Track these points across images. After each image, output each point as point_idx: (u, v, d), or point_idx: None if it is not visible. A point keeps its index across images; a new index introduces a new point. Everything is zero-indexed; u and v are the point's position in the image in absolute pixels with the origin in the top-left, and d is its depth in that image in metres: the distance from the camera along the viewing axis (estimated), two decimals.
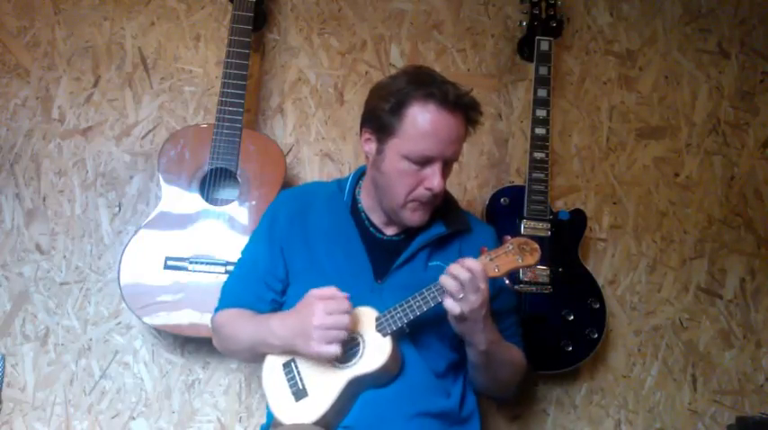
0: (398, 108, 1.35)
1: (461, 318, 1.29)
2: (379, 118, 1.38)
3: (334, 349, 1.26)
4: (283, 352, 1.36)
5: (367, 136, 1.43)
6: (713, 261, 2.02)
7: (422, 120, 1.33)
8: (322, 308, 1.27)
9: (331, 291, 1.30)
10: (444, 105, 1.33)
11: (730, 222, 2.04)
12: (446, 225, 1.47)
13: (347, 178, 1.55)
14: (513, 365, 1.46)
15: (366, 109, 1.44)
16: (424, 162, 1.36)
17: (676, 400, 1.95)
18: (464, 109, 1.36)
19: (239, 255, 1.56)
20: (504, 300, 1.47)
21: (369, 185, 1.49)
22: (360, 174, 1.55)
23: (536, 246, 1.33)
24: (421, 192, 1.38)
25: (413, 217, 1.42)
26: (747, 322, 2.00)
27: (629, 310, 1.98)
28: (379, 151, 1.40)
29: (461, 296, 1.26)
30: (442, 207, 1.47)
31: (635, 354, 1.96)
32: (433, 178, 1.36)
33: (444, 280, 1.28)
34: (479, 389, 1.50)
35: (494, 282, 1.36)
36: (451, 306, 1.27)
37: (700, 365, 1.98)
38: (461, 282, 1.26)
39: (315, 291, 1.31)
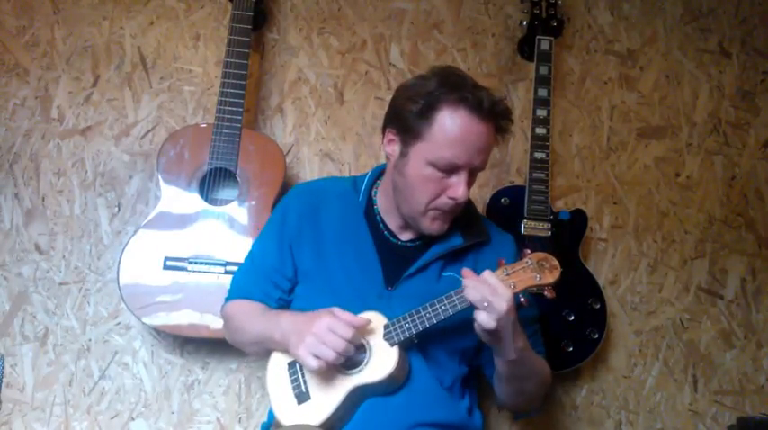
0: (428, 111, 1.28)
1: (491, 329, 1.22)
2: (406, 119, 1.31)
3: (315, 363, 1.22)
4: (281, 347, 1.34)
5: (391, 137, 1.36)
6: (714, 261, 2.02)
7: (452, 125, 1.27)
8: (328, 322, 1.23)
9: (351, 316, 1.25)
10: (477, 112, 1.27)
11: (731, 222, 2.04)
12: (464, 236, 1.42)
13: (364, 176, 1.49)
14: (541, 376, 1.40)
15: (391, 109, 1.37)
16: (450, 170, 1.30)
17: (677, 401, 1.95)
18: (496, 117, 1.30)
19: (250, 247, 1.53)
20: (526, 311, 1.35)
21: (387, 187, 1.43)
22: (377, 173, 1.49)
23: (556, 263, 1.27)
24: (443, 200, 1.32)
25: (432, 226, 1.36)
26: (748, 322, 2.00)
27: (630, 311, 1.97)
28: (403, 154, 1.33)
29: (486, 305, 1.20)
30: (462, 216, 1.41)
31: (636, 355, 1.96)
32: (457, 187, 1.30)
33: (468, 293, 1.22)
34: (506, 403, 1.45)
35: None
36: (485, 319, 1.21)
37: (700, 366, 1.97)
38: (483, 295, 1.21)
39: (337, 310, 1.26)
